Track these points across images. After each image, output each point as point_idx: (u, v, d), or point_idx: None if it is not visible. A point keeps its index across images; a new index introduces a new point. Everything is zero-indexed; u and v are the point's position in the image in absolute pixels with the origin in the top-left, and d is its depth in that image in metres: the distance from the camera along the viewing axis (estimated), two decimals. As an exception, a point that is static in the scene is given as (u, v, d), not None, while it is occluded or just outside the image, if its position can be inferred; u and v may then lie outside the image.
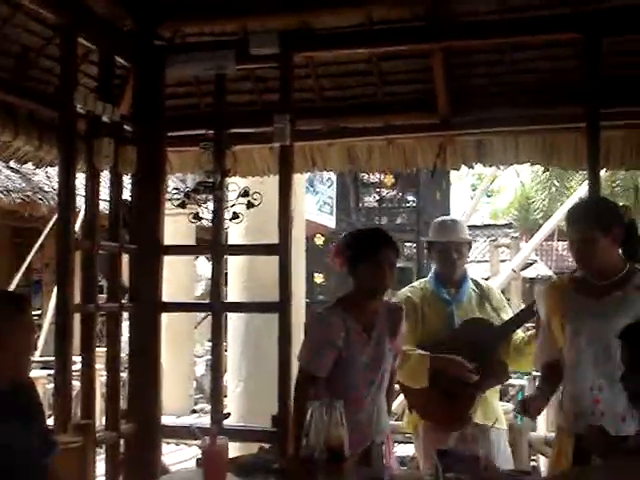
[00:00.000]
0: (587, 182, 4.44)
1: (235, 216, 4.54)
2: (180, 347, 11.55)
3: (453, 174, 20.83)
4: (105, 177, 4.43)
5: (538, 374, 4.46)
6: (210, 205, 4.63)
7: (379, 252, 3.56)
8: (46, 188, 10.70)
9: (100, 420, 5.03)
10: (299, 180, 5.43)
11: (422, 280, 4.63)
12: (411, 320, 4.28)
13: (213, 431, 2.87)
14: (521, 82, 4.67)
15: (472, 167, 5.07)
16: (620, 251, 3.40)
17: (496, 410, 4.31)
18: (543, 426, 7.54)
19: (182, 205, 4.62)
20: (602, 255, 3.31)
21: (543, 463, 6.21)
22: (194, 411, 12.19)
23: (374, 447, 3.49)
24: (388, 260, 3.57)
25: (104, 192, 4.38)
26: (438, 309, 4.38)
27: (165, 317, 4.89)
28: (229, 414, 3.22)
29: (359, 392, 3.55)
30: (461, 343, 4.20)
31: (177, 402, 11.13)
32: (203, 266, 17.21)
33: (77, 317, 4.09)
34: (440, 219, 4.75)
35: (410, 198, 18.33)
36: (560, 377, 3.42)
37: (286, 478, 3.05)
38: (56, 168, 5.58)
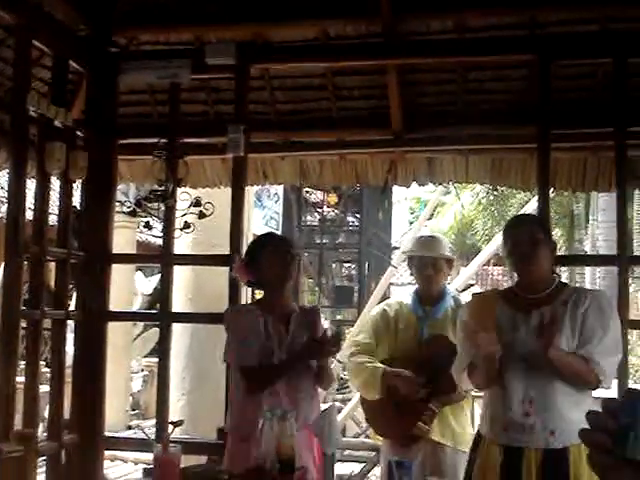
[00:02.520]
0: (535, 200, 4.53)
1: (187, 225, 4.52)
2: (116, 362, 11.35)
3: (394, 197, 21.03)
4: (55, 184, 4.39)
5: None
6: (160, 215, 4.61)
7: (270, 246, 3.79)
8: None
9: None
10: (248, 194, 5.41)
11: (403, 296, 4.65)
12: (383, 333, 4.37)
13: (166, 437, 2.84)
14: (473, 102, 4.75)
15: (422, 184, 5.13)
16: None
17: (455, 430, 4.30)
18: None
19: (133, 213, 4.59)
20: (543, 262, 3.38)
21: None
22: (129, 427, 11.99)
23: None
24: (281, 249, 3.75)
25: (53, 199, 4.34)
26: (410, 325, 4.39)
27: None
28: (182, 421, 3.18)
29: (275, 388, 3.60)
30: (422, 359, 4.23)
31: (113, 418, 10.90)
32: (140, 282, 17.03)
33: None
34: (420, 234, 4.79)
35: (351, 219, 18.40)
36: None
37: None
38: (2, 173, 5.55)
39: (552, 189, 4.78)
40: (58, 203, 4.42)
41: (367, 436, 8.51)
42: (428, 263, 4.41)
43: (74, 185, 4.53)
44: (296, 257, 3.80)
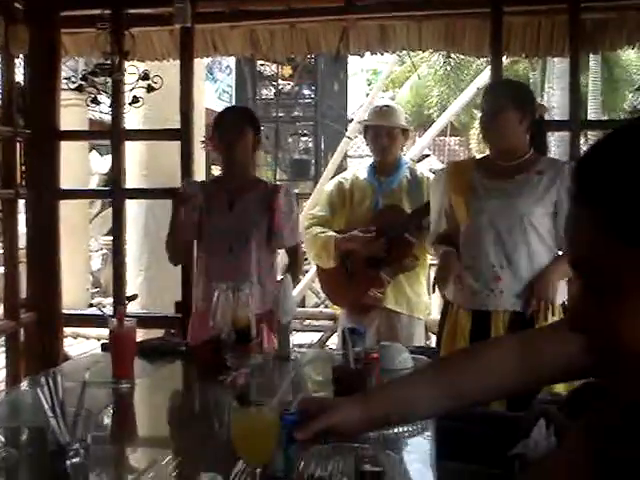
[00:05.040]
0: (489, 68, 4.48)
1: (135, 100, 4.41)
2: (75, 242, 11.30)
3: (350, 69, 20.72)
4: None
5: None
6: (109, 90, 4.49)
7: (220, 117, 3.80)
8: None
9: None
10: (198, 66, 5.27)
11: (359, 168, 4.61)
12: (339, 205, 4.39)
13: (121, 311, 2.83)
14: (425, -35, 4.61)
15: (375, 53, 5.01)
16: (527, 139, 3.46)
17: (410, 298, 4.35)
18: (437, 310, 7.74)
19: (79, 89, 4.46)
20: (510, 131, 3.37)
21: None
22: (91, 305, 12.04)
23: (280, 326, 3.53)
24: (228, 120, 3.76)
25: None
26: (365, 196, 4.38)
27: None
28: (136, 295, 3.18)
29: (220, 257, 3.68)
30: (376, 229, 4.24)
31: (74, 296, 10.91)
32: (96, 161, 16.81)
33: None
34: (376, 104, 4.74)
35: (307, 92, 18.13)
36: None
37: (193, 359, 3.05)
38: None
39: (505, 55, 4.72)
40: (0, 80, 4.29)
41: (326, 306, 8.64)
42: (383, 133, 4.37)
43: (16, 61, 4.38)
44: (245, 128, 3.72)
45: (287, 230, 3.84)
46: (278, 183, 4.34)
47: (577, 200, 0.88)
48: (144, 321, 4.57)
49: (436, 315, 6.44)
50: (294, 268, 3.95)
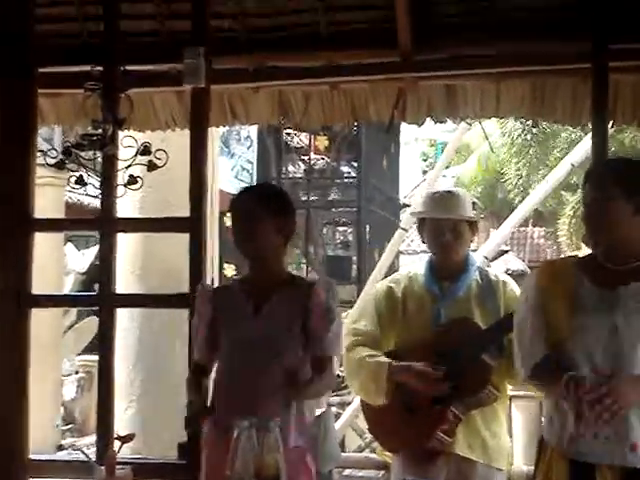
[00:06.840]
0: (587, 138, 4.51)
1: (132, 180, 4.48)
2: (43, 363, 11.31)
3: (401, 138, 20.94)
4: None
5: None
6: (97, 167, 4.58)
7: (231, 212, 3.83)
8: None
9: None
10: (212, 138, 5.36)
11: (414, 268, 4.60)
12: (388, 318, 4.35)
13: (111, 456, 2.84)
14: (505, 10, 4.69)
15: (440, 121, 5.09)
16: None
17: (487, 442, 4.25)
18: (521, 458, 7.65)
19: (60, 165, 4.54)
20: (620, 224, 3.33)
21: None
22: (61, 447, 11.97)
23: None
24: (235, 209, 3.81)
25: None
26: (423, 306, 4.36)
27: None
28: (132, 435, 3.16)
29: (244, 373, 3.69)
30: (440, 350, 4.21)
31: (39, 435, 10.89)
32: (72, 257, 17.01)
33: None
34: (434, 190, 4.75)
35: (346, 169, 18.26)
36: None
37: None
38: None
39: (611, 123, 4.75)
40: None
41: (372, 451, 8.56)
42: (445, 227, 4.36)
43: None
44: (260, 214, 3.75)
45: (329, 334, 3.78)
46: (311, 279, 4.36)
47: None
48: (139, 469, 4.56)
49: (520, 465, 6.38)
50: (314, 384, 3.77)
